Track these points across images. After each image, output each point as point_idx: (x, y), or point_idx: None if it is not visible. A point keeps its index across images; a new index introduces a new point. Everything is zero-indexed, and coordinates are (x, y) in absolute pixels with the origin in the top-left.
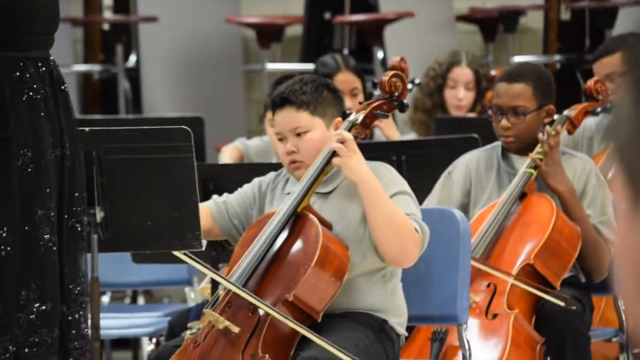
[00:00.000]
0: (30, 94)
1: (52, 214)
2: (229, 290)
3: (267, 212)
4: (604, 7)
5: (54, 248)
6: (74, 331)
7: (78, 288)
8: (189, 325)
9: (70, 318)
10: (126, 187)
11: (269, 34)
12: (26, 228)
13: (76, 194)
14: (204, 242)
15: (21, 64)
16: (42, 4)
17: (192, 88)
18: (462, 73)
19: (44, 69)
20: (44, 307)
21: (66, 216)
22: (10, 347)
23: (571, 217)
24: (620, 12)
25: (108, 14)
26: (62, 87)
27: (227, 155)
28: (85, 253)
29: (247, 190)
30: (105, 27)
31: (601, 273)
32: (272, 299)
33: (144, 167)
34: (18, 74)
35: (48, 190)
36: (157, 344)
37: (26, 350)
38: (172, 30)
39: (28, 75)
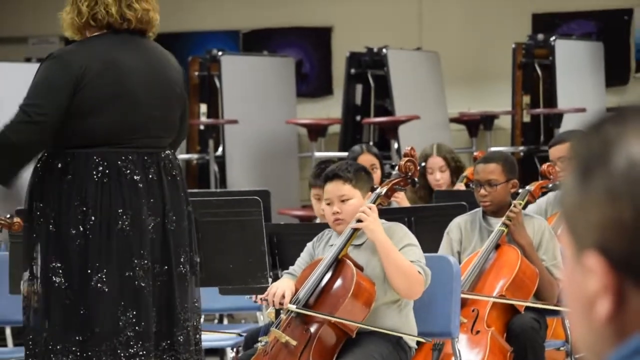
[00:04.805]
0: (133, 178)
1: (146, 262)
2: (289, 315)
3: (317, 259)
4: (553, 113)
5: (148, 289)
6: (182, 347)
7: (183, 316)
8: (260, 339)
9: (180, 338)
10: (214, 240)
11: (316, 131)
12: (126, 274)
13: (179, 248)
14: (270, 280)
15: (123, 157)
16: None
17: (261, 170)
18: (434, 161)
19: (150, 160)
20: (137, 329)
21: (174, 264)
22: (105, 358)
23: (531, 262)
24: (564, 116)
25: (203, 118)
26: (173, 173)
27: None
28: (193, 289)
29: (304, 256)
30: (201, 127)
31: (552, 301)
32: (321, 321)
33: (227, 226)
34: (120, 162)
35: (143, 246)
36: (237, 352)
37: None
38: (248, 129)
39: (131, 165)
